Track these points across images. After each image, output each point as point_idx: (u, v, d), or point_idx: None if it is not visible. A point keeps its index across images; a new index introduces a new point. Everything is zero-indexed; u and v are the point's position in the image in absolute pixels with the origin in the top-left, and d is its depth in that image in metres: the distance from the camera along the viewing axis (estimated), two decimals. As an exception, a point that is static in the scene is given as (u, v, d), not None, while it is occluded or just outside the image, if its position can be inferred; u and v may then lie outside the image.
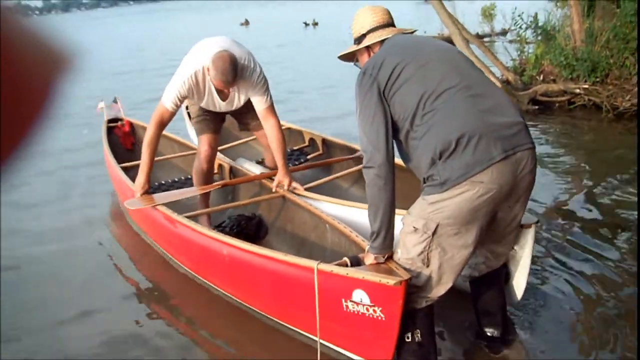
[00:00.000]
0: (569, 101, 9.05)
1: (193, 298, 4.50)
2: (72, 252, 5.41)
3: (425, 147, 2.93)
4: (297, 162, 5.85)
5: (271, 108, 4.73)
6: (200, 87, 4.59)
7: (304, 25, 31.61)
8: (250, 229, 4.82)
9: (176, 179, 5.89)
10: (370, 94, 3.05)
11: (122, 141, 6.93)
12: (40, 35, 0.53)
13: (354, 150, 5.47)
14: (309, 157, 6.02)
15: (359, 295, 3.07)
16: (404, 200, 3.60)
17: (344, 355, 3.49)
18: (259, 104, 4.68)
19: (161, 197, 4.83)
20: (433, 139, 2.90)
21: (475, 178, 2.83)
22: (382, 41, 3.33)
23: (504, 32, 17.84)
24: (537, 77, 9.68)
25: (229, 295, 4.28)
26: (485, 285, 3.52)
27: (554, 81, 9.34)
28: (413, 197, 3.17)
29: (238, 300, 4.21)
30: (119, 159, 5.98)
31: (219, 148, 5.74)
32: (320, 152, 6.07)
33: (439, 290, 3.10)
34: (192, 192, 5.04)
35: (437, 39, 4.10)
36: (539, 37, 11.17)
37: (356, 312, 3.13)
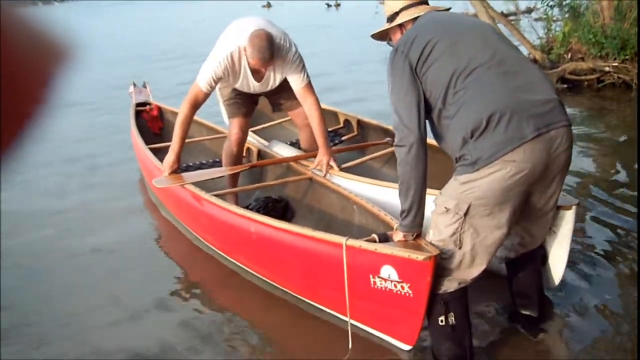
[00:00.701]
0: (598, 79, 8.94)
1: (219, 278, 4.47)
2: (98, 236, 5.37)
3: (457, 126, 2.88)
4: (331, 144, 5.70)
5: (309, 86, 4.69)
6: (235, 68, 4.55)
7: (326, 6, 31.44)
8: (277, 211, 4.77)
9: (204, 162, 5.86)
10: (402, 72, 3.00)
11: (150, 125, 6.92)
12: (38, 26, 0.53)
13: (389, 132, 5.37)
14: (343, 138, 5.96)
15: (387, 271, 3.05)
16: (436, 181, 3.54)
17: (372, 333, 3.46)
18: (296, 83, 4.65)
19: (189, 176, 4.81)
20: (464, 117, 2.85)
21: (507, 157, 2.76)
22: (415, 19, 3.26)
23: (529, 10, 17.58)
24: (565, 56, 9.54)
25: (256, 274, 4.26)
26: (522, 267, 3.45)
27: (582, 59, 9.21)
28: (446, 178, 3.11)
29: (265, 278, 4.18)
30: (146, 143, 5.95)
31: (253, 129, 5.76)
32: (355, 133, 6.01)
33: (472, 272, 3.03)
34: (221, 172, 5.03)
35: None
36: (566, 15, 11.02)
37: (384, 289, 3.11)
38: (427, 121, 3.04)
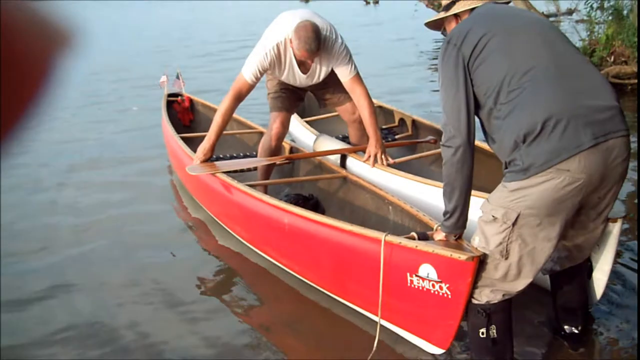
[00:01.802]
0: (642, 83, 8.73)
1: (247, 271, 4.42)
2: (124, 224, 5.35)
3: (509, 128, 2.73)
4: (384, 141, 5.61)
5: (357, 77, 4.63)
6: (282, 60, 4.51)
7: (364, 3, 31.26)
8: (307, 208, 4.68)
9: (234, 154, 5.79)
10: (454, 67, 2.86)
11: (180, 117, 6.89)
12: (39, 13, 0.53)
13: (433, 136, 5.36)
14: (397, 137, 5.87)
15: (426, 270, 2.94)
16: (483, 184, 3.45)
17: (403, 336, 3.36)
18: (344, 75, 4.59)
19: (223, 164, 4.76)
20: (517, 120, 2.69)
21: (561, 166, 2.60)
22: (472, 10, 3.11)
23: (570, 12, 17.41)
24: (608, 59, 9.35)
25: (285, 268, 4.19)
26: (567, 280, 3.31)
27: (626, 63, 9.02)
28: (494, 183, 2.99)
29: (294, 273, 4.11)
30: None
31: (307, 119, 5.81)
32: (409, 132, 5.91)
33: (518, 285, 2.89)
34: (256, 162, 4.98)
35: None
36: (610, 17, 10.84)
37: (421, 288, 3.00)
38: (476, 119, 2.92)
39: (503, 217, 2.77)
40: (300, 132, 5.98)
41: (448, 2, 3.22)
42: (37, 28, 0.52)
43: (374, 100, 5.59)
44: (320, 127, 5.87)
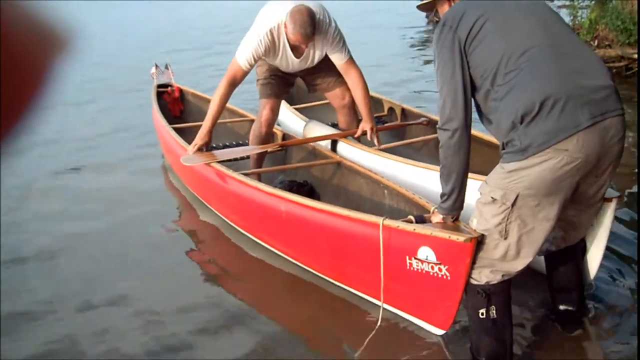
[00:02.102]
0: (626, 67, 8.74)
1: (245, 260, 4.41)
2: (118, 218, 5.32)
3: (506, 109, 2.73)
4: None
5: (351, 60, 4.69)
6: (275, 45, 4.51)
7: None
8: (301, 195, 4.68)
9: (227, 143, 5.80)
10: (451, 49, 2.85)
11: (171, 107, 6.85)
12: (37, 15, 0.53)
13: (434, 121, 5.25)
14: (386, 125, 5.85)
15: (425, 252, 2.98)
16: (477, 171, 3.47)
17: (405, 318, 3.38)
18: (338, 58, 4.64)
19: (217, 154, 4.76)
20: (515, 100, 2.70)
21: (560, 145, 2.61)
22: None
23: (551, -3, 17.47)
24: (592, 43, 9.36)
25: (284, 256, 4.20)
26: (562, 261, 3.33)
27: (610, 46, 9.04)
28: (488, 168, 3.03)
29: (294, 260, 4.11)
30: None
31: (297, 106, 5.82)
32: (399, 121, 5.91)
33: (517, 265, 2.90)
34: (250, 150, 4.98)
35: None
36: (593, 1, 10.88)
37: (420, 271, 3.03)
38: (473, 103, 2.93)
39: (502, 198, 2.77)
40: (289, 119, 5.97)
41: None
42: (34, 29, 0.53)
43: None
44: (308, 115, 5.85)
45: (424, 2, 3.32)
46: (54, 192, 5.98)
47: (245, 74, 4.59)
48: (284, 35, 4.44)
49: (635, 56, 8.63)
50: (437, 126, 2.92)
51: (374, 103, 6.12)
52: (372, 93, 6.25)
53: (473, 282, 2.97)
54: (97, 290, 4.13)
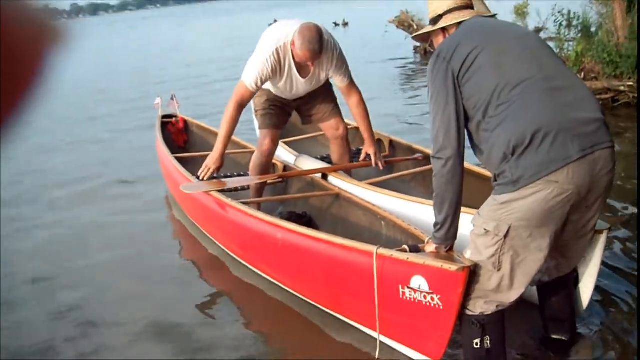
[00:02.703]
0: (613, 99, 8.84)
1: (243, 289, 4.45)
2: (118, 246, 5.42)
3: (498, 140, 2.77)
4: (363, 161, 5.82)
5: (353, 83, 4.81)
6: (281, 64, 4.53)
7: (333, 25, 31.34)
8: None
9: (228, 174, 5.83)
10: (444, 80, 2.90)
11: (175, 138, 6.91)
12: (33, 7, 0.54)
13: (422, 152, 5.39)
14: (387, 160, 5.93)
15: (418, 281, 2.98)
16: (469, 204, 3.49)
17: (397, 348, 3.38)
18: (341, 80, 4.75)
19: (217, 183, 4.82)
20: (507, 132, 2.74)
21: (550, 177, 2.67)
22: (459, 23, 3.15)
23: (538, 30, 17.65)
24: (578, 75, 9.48)
25: (281, 285, 4.22)
26: (554, 290, 3.36)
27: (596, 79, 9.14)
28: (479, 202, 3.06)
29: (291, 290, 4.13)
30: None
31: (285, 140, 5.83)
32: (387, 153, 5.95)
33: (511, 296, 2.94)
34: (249, 180, 5.03)
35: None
36: (579, 34, 11.03)
37: (413, 300, 3.03)
38: (466, 132, 2.97)
39: (495, 229, 2.82)
40: (279, 152, 6.00)
41: (435, 15, 3.25)
42: (29, 20, 0.53)
43: (354, 123, 5.68)
44: (296, 148, 5.88)
45: (419, 32, 3.44)
46: (55, 225, 6.06)
47: (252, 95, 4.62)
48: (290, 54, 4.48)
49: (622, 88, 8.75)
50: (431, 155, 2.97)
51: (361, 135, 6.19)
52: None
53: (468, 312, 2.99)
54: (94, 315, 4.22)
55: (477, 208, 3.01)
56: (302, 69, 4.60)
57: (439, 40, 3.25)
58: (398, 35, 17.82)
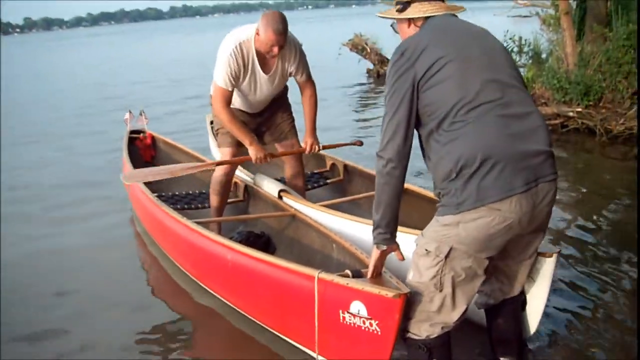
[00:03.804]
0: (562, 124, 8.96)
1: (192, 307, 4.46)
2: (80, 258, 5.45)
3: (447, 156, 2.74)
4: (315, 185, 5.86)
5: (311, 78, 4.91)
6: (245, 60, 4.54)
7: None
8: (258, 246, 4.63)
9: (190, 192, 5.86)
10: (404, 81, 2.79)
11: (142, 153, 6.92)
12: None
13: (374, 178, 5.36)
14: (328, 181, 5.96)
15: (357, 307, 2.95)
16: (415, 224, 3.50)
17: None
18: (301, 74, 4.82)
19: (164, 169, 5.01)
20: (457, 150, 2.70)
21: (493, 205, 2.66)
22: (427, 18, 2.99)
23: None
24: (530, 100, 9.60)
25: (229, 303, 4.22)
26: (501, 313, 3.33)
27: (546, 104, 9.24)
28: (424, 223, 3.02)
29: (238, 309, 4.12)
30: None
31: None
32: (341, 177, 5.96)
33: (454, 316, 2.92)
34: (182, 167, 5.12)
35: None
36: (530, 60, 11.21)
37: (352, 325, 3.01)
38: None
39: (436, 250, 2.81)
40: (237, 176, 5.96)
41: (403, 2, 3.04)
42: None
43: None
44: (252, 170, 5.86)
45: (385, 16, 3.20)
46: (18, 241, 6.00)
47: (230, 93, 4.64)
48: (253, 50, 4.51)
49: (571, 114, 8.88)
50: (376, 152, 2.89)
51: (317, 159, 6.21)
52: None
53: (413, 337, 2.97)
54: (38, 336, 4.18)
55: (418, 229, 2.99)
56: (264, 64, 4.61)
57: (403, 28, 3.09)
58: (352, 58, 17.94)
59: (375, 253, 3.03)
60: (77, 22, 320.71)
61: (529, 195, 2.71)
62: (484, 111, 2.73)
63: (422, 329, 2.95)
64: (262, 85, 4.72)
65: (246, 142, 4.72)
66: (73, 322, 4.31)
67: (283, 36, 4.39)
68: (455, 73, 2.76)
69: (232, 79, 4.54)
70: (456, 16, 3.07)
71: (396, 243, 3.01)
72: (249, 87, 4.70)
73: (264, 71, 4.63)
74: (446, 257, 2.80)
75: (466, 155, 2.68)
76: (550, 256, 3.32)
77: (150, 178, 4.80)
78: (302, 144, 5.04)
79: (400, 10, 3.04)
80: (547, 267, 3.36)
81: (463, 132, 2.72)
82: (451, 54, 2.79)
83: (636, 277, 4.45)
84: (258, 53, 4.52)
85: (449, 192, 2.75)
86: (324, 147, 5.15)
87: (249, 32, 4.51)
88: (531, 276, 3.37)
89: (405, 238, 3.12)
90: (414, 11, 3.00)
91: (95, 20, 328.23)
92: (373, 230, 2.98)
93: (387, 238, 2.96)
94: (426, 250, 2.85)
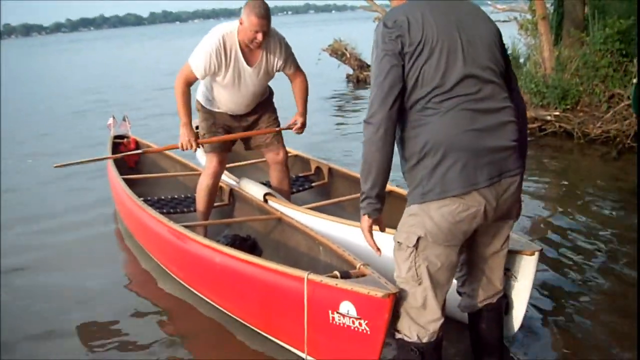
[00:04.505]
0: (539, 128, 9.06)
1: (181, 311, 4.44)
2: (66, 262, 5.43)
3: (414, 138, 2.76)
4: (301, 188, 5.87)
5: (300, 68, 4.93)
6: (227, 53, 4.53)
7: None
8: (244, 249, 4.56)
9: (175, 196, 5.85)
10: (394, 45, 2.74)
11: (126, 158, 6.83)
12: None
13: (358, 180, 5.39)
14: (313, 184, 5.98)
15: (346, 307, 2.98)
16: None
17: None
18: (289, 67, 4.84)
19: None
20: (424, 136, 2.72)
21: (456, 196, 2.72)
22: None
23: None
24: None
25: (218, 306, 4.21)
26: (484, 317, 3.33)
27: (524, 108, 9.39)
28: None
29: (227, 311, 4.12)
30: (121, 175, 5.92)
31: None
32: (326, 180, 5.99)
33: (438, 311, 2.95)
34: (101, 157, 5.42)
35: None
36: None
37: (342, 325, 3.03)
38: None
39: (405, 240, 2.84)
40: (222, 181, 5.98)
41: None
42: None
43: (293, 151, 5.87)
44: (238, 175, 5.87)
45: None
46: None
47: (195, 79, 4.66)
48: (237, 42, 4.52)
49: (549, 118, 8.99)
50: (364, 119, 2.82)
51: (301, 162, 6.24)
52: (299, 152, 6.41)
53: (406, 339, 2.98)
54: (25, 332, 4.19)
55: None
56: (248, 56, 4.62)
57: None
58: (331, 63, 17.99)
59: (368, 222, 2.94)
60: (57, 27, 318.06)
61: (492, 188, 2.77)
62: (456, 103, 2.73)
63: (413, 331, 2.96)
64: (247, 79, 4.71)
65: (181, 119, 4.73)
66: (54, 322, 4.35)
67: (266, 20, 4.40)
68: (437, 60, 2.74)
69: (206, 70, 4.56)
70: None
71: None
72: (232, 81, 4.69)
73: (248, 64, 4.63)
74: (416, 246, 2.82)
75: (431, 143, 2.71)
76: (532, 254, 3.37)
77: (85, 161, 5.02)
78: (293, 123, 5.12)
79: None
80: (529, 266, 3.40)
81: (433, 120, 2.73)
82: (436, 38, 2.74)
83: (601, 275, 4.61)
84: (242, 45, 4.55)
85: (414, 181, 2.81)
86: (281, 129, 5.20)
87: (233, 25, 4.54)
88: (514, 274, 3.42)
89: (390, 239, 3.15)
90: None
91: (74, 26, 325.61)
92: (362, 201, 2.91)
93: (377, 208, 2.91)
94: (398, 242, 2.89)
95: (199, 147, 4.84)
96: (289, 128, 5.08)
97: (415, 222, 2.81)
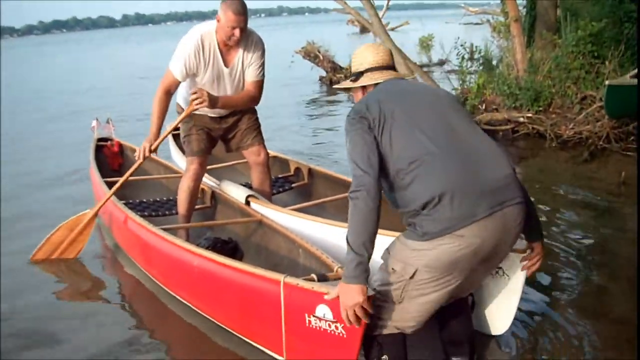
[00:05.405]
0: (512, 130, 9.11)
1: (160, 314, 4.42)
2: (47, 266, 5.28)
3: (410, 195, 2.81)
4: (281, 189, 5.84)
5: (261, 83, 4.82)
6: (205, 52, 4.54)
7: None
8: (225, 252, 4.50)
9: (157, 199, 5.80)
10: (361, 131, 2.89)
11: (110, 161, 6.84)
12: None
13: (339, 180, 5.45)
14: (293, 185, 5.96)
15: (323, 310, 2.97)
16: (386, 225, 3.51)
17: None
18: (255, 74, 4.75)
19: None
20: (418, 189, 2.78)
21: (456, 232, 2.72)
22: (377, 84, 3.22)
23: (441, 63, 18.19)
24: (480, 107, 9.66)
25: (196, 309, 4.19)
26: (452, 314, 3.32)
27: (497, 110, 9.38)
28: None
29: (205, 314, 4.09)
30: (104, 178, 5.87)
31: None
32: (306, 181, 5.98)
33: (410, 325, 3.00)
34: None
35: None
36: (481, 67, 11.35)
37: (318, 328, 3.03)
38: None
39: (401, 270, 2.86)
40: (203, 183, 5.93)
41: (357, 71, 3.32)
42: None
43: (272, 152, 5.80)
44: (217, 177, 5.84)
45: (341, 86, 3.57)
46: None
47: (178, 83, 4.65)
48: (215, 41, 4.53)
49: (521, 119, 9.03)
50: (349, 191, 2.82)
51: (281, 163, 6.28)
52: (277, 154, 6.43)
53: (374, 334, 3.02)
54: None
55: (398, 231, 3.06)
56: (225, 57, 4.63)
57: (358, 96, 3.33)
58: (304, 64, 17.99)
59: (364, 292, 2.77)
60: (29, 30, 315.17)
61: (494, 218, 2.77)
62: (436, 151, 2.82)
63: (376, 326, 3.03)
64: (224, 79, 4.70)
65: (152, 128, 4.75)
66: (32, 328, 4.27)
67: (243, 17, 4.41)
68: (403, 120, 2.92)
69: (186, 70, 4.55)
70: (405, 79, 3.32)
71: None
72: (211, 81, 4.67)
73: (225, 64, 4.63)
74: (411, 277, 2.85)
75: (426, 194, 2.76)
76: (523, 252, 3.33)
77: None
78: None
79: (354, 80, 3.32)
80: (520, 265, 3.37)
81: (419, 172, 2.81)
82: (399, 104, 2.97)
83: (574, 275, 4.65)
84: (220, 44, 4.56)
85: (414, 224, 2.83)
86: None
87: (211, 24, 4.55)
88: (506, 273, 3.43)
89: (385, 240, 3.12)
90: (366, 80, 3.27)
91: (47, 28, 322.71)
92: (355, 268, 2.75)
93: (368, 269, 2.80)
94: (392, 269, 2.90)
95: (154, 153, 4.83)
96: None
97: (414, 255, 2.84)
